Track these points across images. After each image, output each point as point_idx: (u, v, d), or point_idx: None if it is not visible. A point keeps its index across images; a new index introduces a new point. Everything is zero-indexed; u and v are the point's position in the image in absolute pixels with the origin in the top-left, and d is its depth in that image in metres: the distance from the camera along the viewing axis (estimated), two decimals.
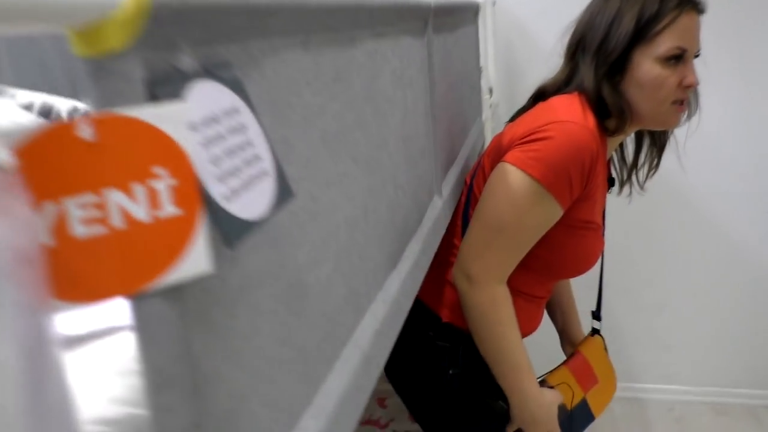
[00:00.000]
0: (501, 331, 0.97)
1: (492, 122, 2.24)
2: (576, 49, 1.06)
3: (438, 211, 0.94)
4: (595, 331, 1.24)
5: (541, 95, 1.10)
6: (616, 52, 0.99)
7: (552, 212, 0.95)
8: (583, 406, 1.08)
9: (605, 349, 1.20)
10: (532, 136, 0.95)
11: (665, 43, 0.98)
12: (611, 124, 1.02)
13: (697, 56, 1.03)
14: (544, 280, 1.11)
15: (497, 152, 1.03)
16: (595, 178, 0.96)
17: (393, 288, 0.67)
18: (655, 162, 1.19)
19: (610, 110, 1.00)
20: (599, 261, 1.19)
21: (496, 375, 1.00)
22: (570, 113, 0.97)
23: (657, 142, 1.18)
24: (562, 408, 1.05)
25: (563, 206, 0.95)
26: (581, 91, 1.02)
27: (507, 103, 2.23)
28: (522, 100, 1.17)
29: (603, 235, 1.14)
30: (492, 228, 0.96)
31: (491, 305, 0.96)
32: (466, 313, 0.99)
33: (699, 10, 1.02)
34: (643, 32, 0.98)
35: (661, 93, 0.99)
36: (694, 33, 1.00)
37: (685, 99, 1.02)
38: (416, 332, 1.06)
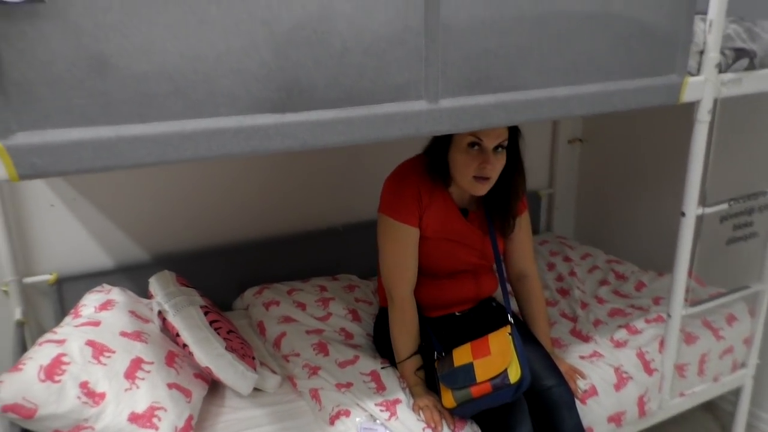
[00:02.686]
0: (397, 331, 1.63)
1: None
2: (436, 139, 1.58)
3: (417, 112, 0.94)
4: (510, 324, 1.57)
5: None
6: (441, 147, 1.55)
7: (410, 233, 1.57)
8: (468, 367, 1.48)
9: (510, 334, 1.49)
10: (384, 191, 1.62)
11: (464, 139, 1.47)
12: (441, 178, 1.57)
13: (503, 147, 1.49)
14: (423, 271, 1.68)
15: None
16: (430, 204, 1.57)
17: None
18: (510, 225, 1.67)
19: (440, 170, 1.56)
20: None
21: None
22: (401, 167, 1.62)
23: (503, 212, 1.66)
24: (447, 364, 1.51)
25: (414, 226, 1.56)
26: (429, 156, 1.60)
27: None
28: None
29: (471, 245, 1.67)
30: (391, 267, 1.61)
31: (400, 314, 1.61)
32: (390, 316, 1.64)
33: None
34: (452, 138, 1.50)
35: (463, 171, 1.50)
36: (490, 133, 1.43)
37: (483, 176, 1.49)
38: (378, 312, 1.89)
